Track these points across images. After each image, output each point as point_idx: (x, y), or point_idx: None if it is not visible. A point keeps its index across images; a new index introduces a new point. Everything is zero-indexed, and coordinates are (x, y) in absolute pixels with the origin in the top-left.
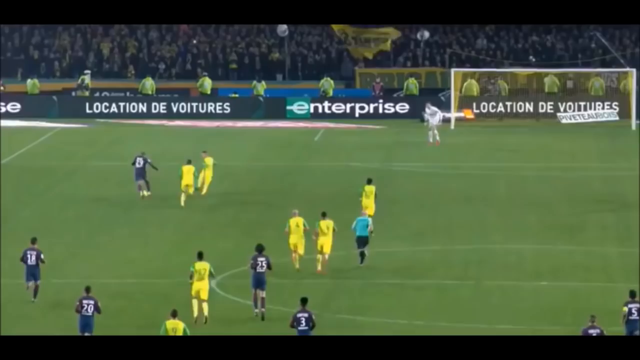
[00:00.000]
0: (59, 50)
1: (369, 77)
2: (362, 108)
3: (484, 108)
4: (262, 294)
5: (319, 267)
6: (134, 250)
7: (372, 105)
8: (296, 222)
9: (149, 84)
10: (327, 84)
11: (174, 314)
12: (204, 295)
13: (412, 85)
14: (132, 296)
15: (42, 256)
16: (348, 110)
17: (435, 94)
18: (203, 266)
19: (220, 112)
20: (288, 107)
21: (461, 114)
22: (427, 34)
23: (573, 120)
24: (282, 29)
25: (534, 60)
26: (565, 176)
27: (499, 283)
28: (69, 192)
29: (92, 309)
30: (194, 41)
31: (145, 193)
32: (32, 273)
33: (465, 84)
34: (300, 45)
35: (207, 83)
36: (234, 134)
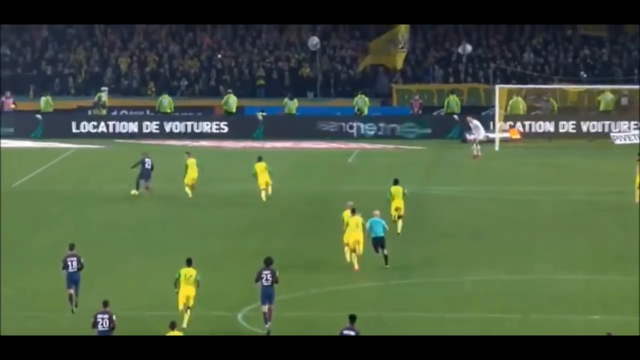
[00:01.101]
0: (74, 66)
1: (406, 94)
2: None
3: (531, 128)
4: (267, 307)
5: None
6: (151, 279)
7: (382, 125)
8: (356, 222)
9: (166, 102)
10: (362, 101)
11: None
12: (191, 301)
13: (454, 102)
14: (150, 328)
15: (82, 260)
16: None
17: (478, 112)
18: (190, 272)
19: (217, 131)
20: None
21: (506, 134)
22: (469, 48)
23: (627, 141)
24: (314, 42)
25: (585, 76)
26: (618, 201)
27: (547, 317)
28: (84, 217)
29: (107, 323)
30: (219, 55)
31: (137, 193)
32: (74, 280)
33: (510, 101)
34: (332, 59)
35: (232, 101)
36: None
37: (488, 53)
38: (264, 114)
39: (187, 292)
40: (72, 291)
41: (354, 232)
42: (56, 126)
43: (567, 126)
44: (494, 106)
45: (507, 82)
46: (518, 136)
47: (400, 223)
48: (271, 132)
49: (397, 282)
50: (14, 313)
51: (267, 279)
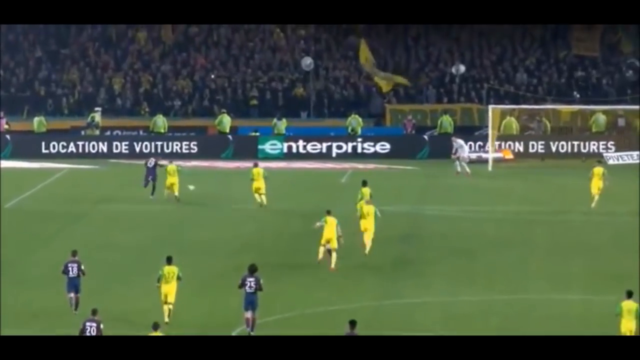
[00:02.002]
0: (67, 86)
1: (400, 114)
2: (339, 147)
3: (524, 148)
4: (250, 314)
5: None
6: (148, 300)
7: (350, 145)
8: (367, 211)
9: (161, 122)
10: (355, 121)
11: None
12: (171, 298)
13: (447, 122)
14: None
15: (82, 267)
16: (324, 150)
17: (471, 132)
18: (171, 270)
19: (187, 151)
20: (260, 147)
21: (499, 154)
22: (462, 68)
23: (621, 161)
24: (307, 62)
25: (578, 96)
26: (613, 221)
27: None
28: (79, 238)
29: (94, 331)
30: (212, 75)
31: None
32: (74, 285)
33: (504, 121)
34: (326, 79)
35: (226, 121)
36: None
37: (481, 73)
38: (258, 133)
39: (167, 289)
40: (72, 295)
41: (365, 220)
42: (25, 146)
43: (560, 146)
44: (487, 126)
45: (501, 102)
46: (511, 156)
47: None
48: (241, 153)
49: (392, 302)
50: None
51: (250, 286)
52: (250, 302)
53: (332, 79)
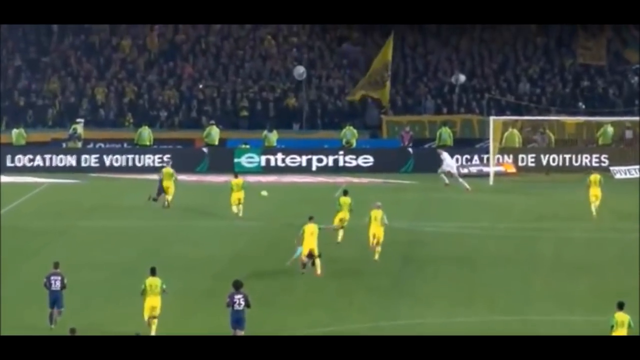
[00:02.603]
0: (48, 96)
1: (396, 126)
2: (320, 160)
3: (527, 161)
4: (240, 333)
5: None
6: (132, 321)
7: (331, 158)
8: (375, 215)
9: (146, 134)
10: (350, 133)
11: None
12: (157, 311)
13: (446, 134)
14: None
15: (65, 280)
16: (304, 163)
17: (472, 145)
18: (155, 282)
19: (160, 164)
20: (236, 160)
21: (501, 168)
22: (462, 77)
23: (628, 176)
24: (299, 71)
25: (583, 107)
26: (618, 238)
27: None
28: (59, 256)
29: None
30: (200, 85)
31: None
32: (56, 298)
33: (506, 133)
34: (319, 89)
35: (215, 133)
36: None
37: (482, 83)
38: (248, 146)
39: (152, 302)
40: (53, 311)
41: (373, 225)
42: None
43: (565, 159)
44: (488, 138)
45: (502, 113)
46: (513, 170)
47: (341, 232)
48: (216, 166)
49: (388, 324)
50: None
51: (239, 304)
52: (238, 320)
53: (326, 89)
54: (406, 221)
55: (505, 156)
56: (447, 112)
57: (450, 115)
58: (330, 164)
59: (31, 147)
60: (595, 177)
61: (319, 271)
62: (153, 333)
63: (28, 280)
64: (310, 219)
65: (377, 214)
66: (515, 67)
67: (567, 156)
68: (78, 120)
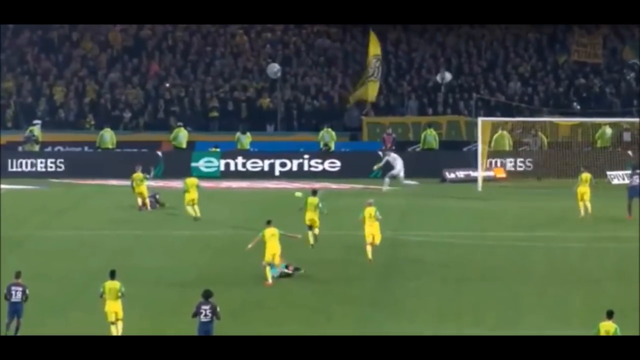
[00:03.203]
0: (3, 96)
1: (378, 128)
2: (283, 165)
3: (518, 165)
4: None
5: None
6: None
7: (295, 162)
8: (369, 212)
9: (108, 136)
10: (328, 135)
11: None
12: (120, 314)
13: (431, 137)
14: None
15: (27, 291)
16: (266, 168)
17: (458, 148)
18: (114, 285)
19: (89, 169)
20: (193, 164)
21: (490, 173)
22: (449, 76)
23: (626, 181)
24: (274, 69)
25: (578, 107)
26: (615, 247)
27: None
28: (15, 267)
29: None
30: (166, 84)
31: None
32: (16, 310)
33: (495, 136)
34: (295, 88)
35: (183, 135)
36: (217, 196)
37: (470, 82)
38: (218, 149)
39: (113, 307)
40: (12, 321)
41: (368, 225)
42: None
43: (558, 164)
44: (476, 141)
45: (491, 114)
46: (503, 175)
47: (316, 232)
48: (172, 171)
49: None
50: None
51: (206, 315)
52: (206, 332)
53: (302, 88)
54: (388, 229)
55: (495, 160)
56: (432, 113)
57: (435, 117)
58: (295, 168)
59: (1, 150)
60: (586, 175)
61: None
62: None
63: None
64: (269, 222)
65: (371, 211)
66: (505, 65)
67: (561, 160)
68: (35, 122)
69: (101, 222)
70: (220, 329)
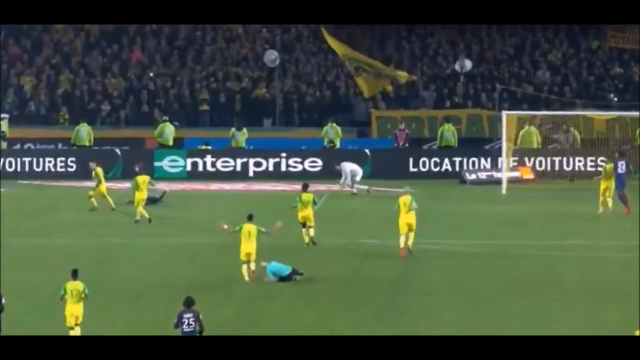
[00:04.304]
0: None
1: (389, 122)
2: (258, 164)
3: (547, 165)
4: None
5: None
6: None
7: (271, 161)
8: (404, 201)
9: (84, 132)
10: (333, 131)
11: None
12: (79, 319)
13: (449, 133)
14: None
15: (3, 301)
16: (239, 168)
17: (479, 145)
18: (76, 286)
19: (63, 169)
20: (157, 164)
21: (516, 173)
22: (469, 64)
23: None
24: (271, 56)
25: (615, 99)
26: None
27: None
28: None
29: None
30: (151, 73)
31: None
32: None
33: (521, 132)
34: (296, 78)
35: (169, 131)
36: (207, 198)
37: (493, 70)
38: (209, 147)
39: (74, 310)
40: None
41: (404, 214)
42: None
43: (592, 163)
44: (500, 138)
45: (517, 107)
46: (531, 176)
47: (312, 232)
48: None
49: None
50: None
51: (188, 324)
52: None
53: (304, 77)
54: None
55: (522, 159)
56: (450, 106)
57: (453, 110)
58: (271, 168)
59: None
60: (610, 166)
61: (248, 278)
62: None
63: None
64: (250, 217)
65: (405, 199)
66: (532, 52)
67: (596, 159)
68: (2, 116)
69: (77, 229)
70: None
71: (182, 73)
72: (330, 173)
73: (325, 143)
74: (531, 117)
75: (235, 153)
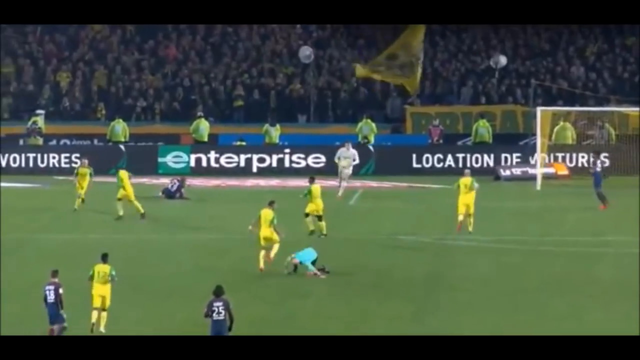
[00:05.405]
0: (1, 83)
1: (423, 119)
2: (261, 160)
3: (582, 161)
4: None
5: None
6: None
7: (275, 157)
8: (465, 183)
9: (120, 128)
10: (367, 127)
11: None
12: (107, 302)
13: (484, 129)
14: None
15: (60, 291)
16: (242, 164)
17: (514, 141)
18: (104, 269)
19: (67, 165)
20: (160, 160)
21: (551, 169)
22: (504, 60)
23: None
24: (306, 52)
25: None
26: None
27: None
28: (12, 274)
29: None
30: (186, 70)
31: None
32: (53, 314)
33: (556, 128)
34: (330, 74)
35: (204, 127)
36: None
37: (528, 67)
38: (244, 143)
39: (101, 291)
40: (55, 327)
41: (463, 194)
42: None
43: (628, 159)
44: (534, 134)
45: (552, 103)
46: (566, 172)
47: (323, 223)
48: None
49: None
50: None
51: (218, 312)
52: (218, 332)
53: (338, 73)
54: (433, 233)
55: (556, 155)
56: (484, 102)
57: (488, 106)
58: (275, 164)
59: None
60: None
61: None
62: (102, 329)
63: None
64: (270, 203)
65: (466, 181)
66: (567, 48)
67: (631, 155)
68: (38, 111)
69: (111, 224)
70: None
71: (217, 69)
72: (333, 169)
73: (360, 139)
74: (566, 113)
75: (238, 150)
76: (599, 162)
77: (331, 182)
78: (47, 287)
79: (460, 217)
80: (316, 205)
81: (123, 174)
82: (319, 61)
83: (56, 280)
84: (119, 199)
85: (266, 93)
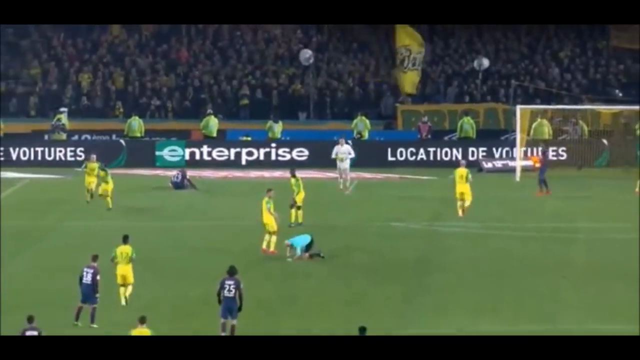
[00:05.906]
0: (28, 83)
1: (413, 116)
2: (250, 154)
3: (557, 154)
4: (231, 322)
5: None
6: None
7: (262, 151)
8: (460, 173)
9: (136, 125)
10: (362, 124)
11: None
12: (130, 279)
13: (468, 125)
14: None
15: (97, 277)
16: (232, 157)
17: (496, 136)
18: (125, 250)
19: (72, 159)
20: (157, 153)
21: (529, 162)
22: (486, 62)
23: None
24: (306, 55)
25: (620, 94)
26: None
27: None
28: (40, 260)
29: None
30: (196, 71)
31: None
32: (85, 293)
33: (534, 124)
34: (329, 75)
35: (213, 123)
36: (246, 186)
37: (508, 68)
38: (249, 138)
39: (122, 271)
40: (85, 306)
41: (459, 184)
42: None
43: (600, 152)
44: (514, 130)
45: (530, 101)
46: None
47: (300, 212)
48: (135, 161)
49: (403, 332)
50: None
51: (229, 290)
52: (229, 309)
53: (336, 74)
54: (423, 221)
55: (534, 149)
56: (469, 101)
57: (472, 104)
58: (262, 157)
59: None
60: None
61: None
62: (123, 301)
63: (8, 287)
64: (268, 191)
65: (462, 172)
66: (544, 51)
67: (602, 149)
68: (62, 109)
69: (128, 212)
70: (252, 324)
71: (224, 71)
72: (316, 162)
73: (354, 134)
74: (543, 110)
75: (229, 144)
76: (548, 153)
77: (315, 174)
78: (86, 269)
79: (459, 203)
80: (301, 196)
81: (91, 165)
82: (318, 63)
83: (95, 264)
84: (87, 187)
85: (269, 92)
